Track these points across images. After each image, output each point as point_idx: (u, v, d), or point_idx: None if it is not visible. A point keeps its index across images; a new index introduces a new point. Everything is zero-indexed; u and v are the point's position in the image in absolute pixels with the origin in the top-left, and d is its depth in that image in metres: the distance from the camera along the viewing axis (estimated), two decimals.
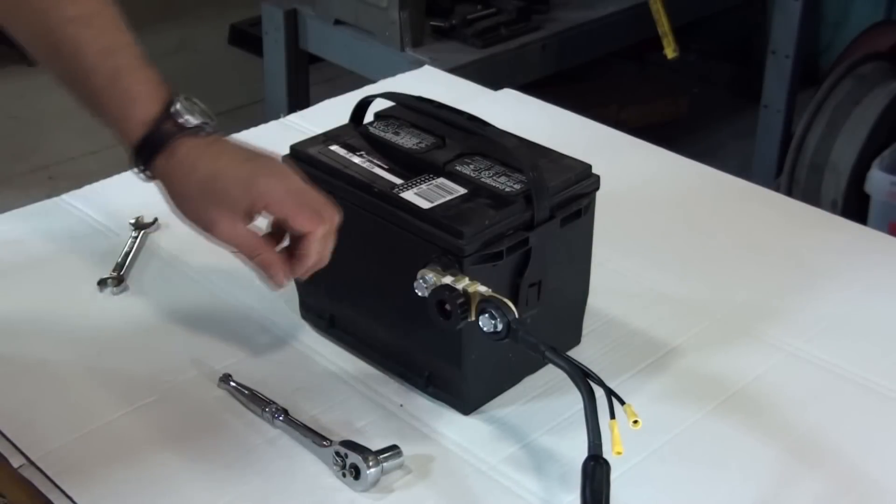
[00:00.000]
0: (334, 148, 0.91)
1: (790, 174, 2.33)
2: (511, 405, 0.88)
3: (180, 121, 0.81)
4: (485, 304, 0.77)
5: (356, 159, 0.89)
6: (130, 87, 0.81)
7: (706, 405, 0.87)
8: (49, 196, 1.15)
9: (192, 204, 0.82)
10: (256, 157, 0.83)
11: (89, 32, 0.81)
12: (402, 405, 0.88)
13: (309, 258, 0.82)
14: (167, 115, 0.81)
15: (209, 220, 0.81)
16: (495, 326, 0.77)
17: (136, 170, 0.83)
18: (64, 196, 1.16)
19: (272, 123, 1.34)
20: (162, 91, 0.82)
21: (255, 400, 0.86)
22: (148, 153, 0.81)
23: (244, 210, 0.80)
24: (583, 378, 0.75)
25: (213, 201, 0.81)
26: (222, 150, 0.82)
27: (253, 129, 1.31)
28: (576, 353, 0.90)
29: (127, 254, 1.05)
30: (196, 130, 0.82)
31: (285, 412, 0.84)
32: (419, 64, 1.95)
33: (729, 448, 0.83)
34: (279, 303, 0.99)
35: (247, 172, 0.81)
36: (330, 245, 0.83)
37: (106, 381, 0.90)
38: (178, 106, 0.81)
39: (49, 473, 0.80)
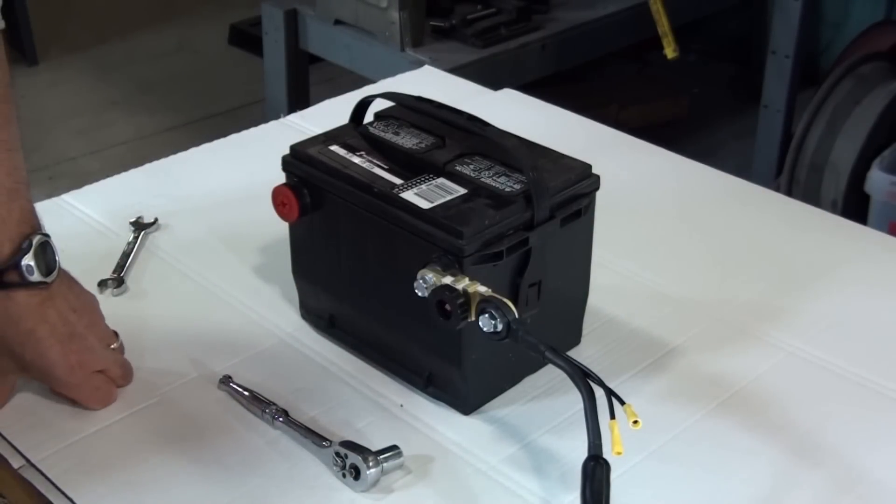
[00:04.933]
0: (334, 148, 0.91)
1: (790, 174, 2.33)
2: (511, 405, 0.88)
3: (24, 274, 0.79)
4: (485, 304, 0.77)
5: (356, 159, 0.89)
6: None
7: (706, 405, 0.87)
8: (49, 196, 1.15)
9: (2, 340, 0.83)
10: (70, 337, 0.83)
11: None
12: (402, 405, 0.88)
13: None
14: (14, 264, 0.79)
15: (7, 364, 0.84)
16: (495, 326, 0.77)
17: None
18: (64, 196, 1.16)
19: (272, 123, 1.34)
20: (21, 230, 0.80)
21: (256, 401, 0.86)
22: None
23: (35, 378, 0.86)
24: (583, 378, 0.75)
25: (18, 356, 0.83)
26: (45, 316, 0.82)
27: (253, 129, 1.31)
28: (576, 353, 0.90)
29: (127, 254, 1.05)
30: (34, 285, 0.80)
31: (285, 413, 0.84)
32: (419, 64, 1.95)
33: (729, 448, 0.83)
34: (279, 303, 0.99)
35: (51, 358, 0.82)
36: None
37: None
38: (29, 260, 0.79)
39: (49, 475, 0.80)
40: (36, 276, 0.80)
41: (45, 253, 0.81)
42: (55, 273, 0.82)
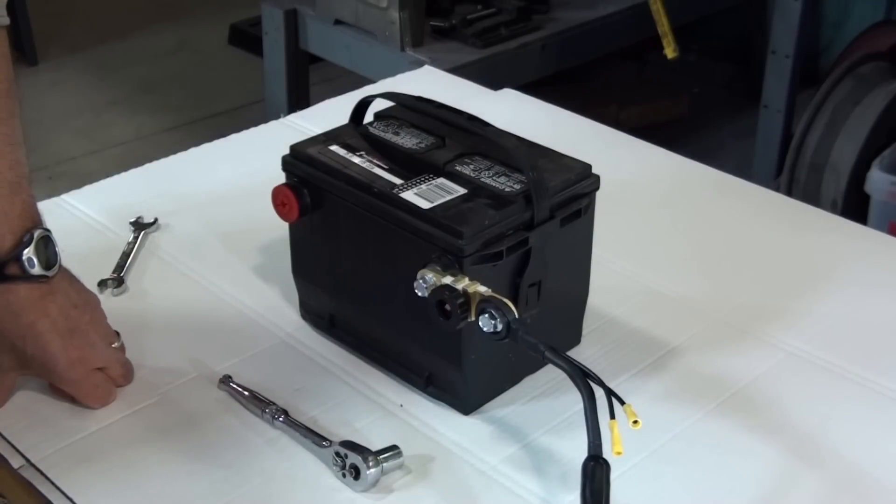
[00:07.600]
0: (334, 148, 0.91)
1: (790, 174, 2.33)
2: (511, 405, 0.88)
3: (25, 267, 0.80)
4: (485, 304, 0.77)
5: (356, 159, 0.89)
6: None
7: (706, 405, 0.87)
8: (49, 196, 1.15)
9: (3, 335, 0.83)
10: (71, 332, 0.83)
11: None
12: (402, 405, 0.88)
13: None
14: (16, 257, 0.79)
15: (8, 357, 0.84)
16: (495, 326, 0.77)
17: None
18: (64, 196, 1.16)
19: (272, 123, 1.34)
20: (23, 223, 0.80)
21: (255, 401, 0.86)
22: None
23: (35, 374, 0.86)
24: (583, 378, 0.75)
25: (19, 351, 0.83)
26: (46, 310, 0.82)
27: (253, 129, 1.31)
28: (576, 353, 0.90)
29: (127, 254, 1.05)
30: (35, 279, 0.81)
31: (285, 413, 0.84)
32: (419, 64, 1.96)
33: (729, 448, 0.83)
34: (279, 303, 0.99)
35: (52, 352, 0.82)
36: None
37: None
38: (30, 254, 0.80)
39: (49, 475, 0.80)
40: (37, 270, 0.80)
41: (46, 247, 0.81)
42: (56, 268, 0.82)
